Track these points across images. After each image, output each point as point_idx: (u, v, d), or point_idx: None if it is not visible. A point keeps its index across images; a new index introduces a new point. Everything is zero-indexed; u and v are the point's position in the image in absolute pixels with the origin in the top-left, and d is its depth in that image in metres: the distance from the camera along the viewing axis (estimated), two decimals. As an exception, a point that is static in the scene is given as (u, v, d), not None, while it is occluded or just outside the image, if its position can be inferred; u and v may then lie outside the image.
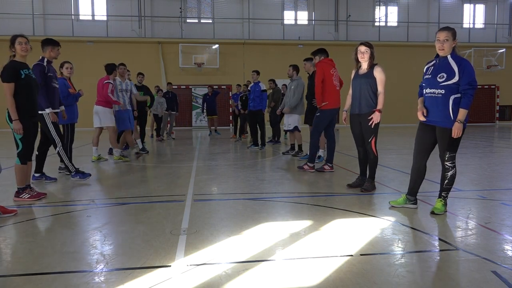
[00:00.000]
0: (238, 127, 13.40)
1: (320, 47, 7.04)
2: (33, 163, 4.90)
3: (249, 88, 11.10)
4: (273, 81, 11.74)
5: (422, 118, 4.03)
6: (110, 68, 7.98)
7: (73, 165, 5.91)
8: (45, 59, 5.65)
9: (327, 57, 6.74)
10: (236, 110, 13.83)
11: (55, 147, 5.66)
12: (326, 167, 6.65)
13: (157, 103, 12.93)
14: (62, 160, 6.69)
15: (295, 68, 8.64)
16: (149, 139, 13.27)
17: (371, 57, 4.96)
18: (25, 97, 4.56)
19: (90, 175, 5.98)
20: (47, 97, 5.55)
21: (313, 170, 6.63)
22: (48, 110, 5.54)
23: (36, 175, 5.94)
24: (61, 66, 6.76)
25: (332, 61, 6.68)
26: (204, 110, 15.56)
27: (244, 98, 12.50)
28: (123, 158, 8.12)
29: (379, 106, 4.96)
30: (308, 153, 6.83)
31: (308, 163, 6.71)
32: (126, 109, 8.38)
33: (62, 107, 6.15)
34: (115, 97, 8.06)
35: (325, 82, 6.43)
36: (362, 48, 4.97)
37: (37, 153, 5.90)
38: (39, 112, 5.44)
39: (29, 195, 4.69)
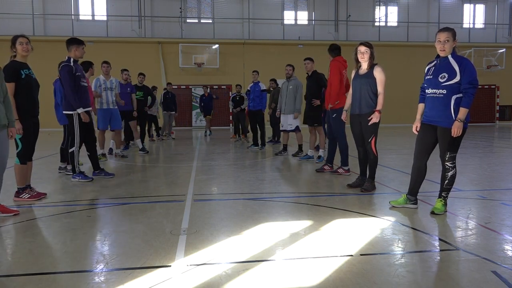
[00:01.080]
0: (240, 127, 13.41)
1: (333, 43, 6.85)
2: (35, 162, 4.90)
3: (248, 88, 11.10)
4: (274, 80, 11.73)
5: (414, 131, 4.21)
6: (85, 66, 7.81)
7: (79, 167, 5.96)
8: (71, 59, 5.64)
9: (339, 55, 6.59)
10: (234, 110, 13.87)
11: (71, 146, 5.72)
12: (326, 167, 6.64)
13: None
14: (63, 160, 6.73)
15: (294, 68, 8.65)
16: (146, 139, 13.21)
17: (371, 57, 4.96)
18: (26, 97, 4.57)
19: (92, 179, 5.96)
20: (77, 96, 5.60)
21: (348, 173, 6.32)
22: (80, 110, 5.63)
23: (96, 171, 6.22)
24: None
25: (346, 62, 6.53)
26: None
27: (238, 98, 12.53)
28: (101, 157, 7.96)
29: (379, 107, 4.96)
30: (340, 157, 6.42)
31: (342, 167, 6.40)
32: (107, 108, 8.16)
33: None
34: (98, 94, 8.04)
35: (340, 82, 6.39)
36: (362, 48, 4.97)
37: (88, 153, 6.15)
38: (69, 112, 5.65)
39: (29, 195, 4.69)
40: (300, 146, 8.68)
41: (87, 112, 5.82)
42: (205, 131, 16.04)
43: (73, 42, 5.69)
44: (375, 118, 4.94)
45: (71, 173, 5.99)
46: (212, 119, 15.84)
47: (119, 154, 8.67)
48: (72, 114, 5.66)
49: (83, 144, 6.04)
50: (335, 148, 6.66)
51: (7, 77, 4.42)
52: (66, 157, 6.50)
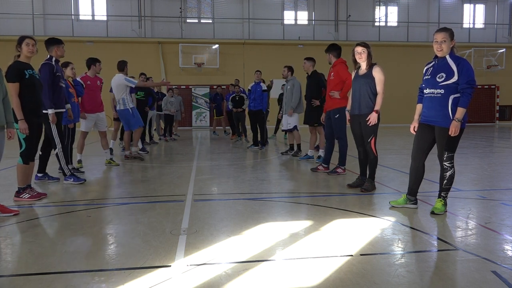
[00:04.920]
0: (240, 127, 13.38)
1: (333, 43, 6.75)
2: (36, 162, 4.89)
3: (249, 88, 11.06)
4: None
5: (412, 131, 4.21)
6: (91, 62, 7.40)
7: (69, 168, 5.82)
8: (53, 58, 5.59)
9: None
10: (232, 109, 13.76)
11: (55, 148, 5.54)
12: (320, 167, 6.56)
13: (167, 102, 12.96)
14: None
15: (290, 69, 8.70)
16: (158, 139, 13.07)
17: (369, 56, 4.97)
18: (29, 97, 4.57)
19: (84, 180, 5.82)
20: (52, 97, 5.43)
21: (345, 172, 6.37)
22: (50, 111, 5.36)
23: (39, 175, 5.89)
24: (65, 66, 6.68)
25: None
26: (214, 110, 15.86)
27: (237, 98, 12.41)
28: (113, 162, 7.55)
29: (377, 107, 4.96)
30: (339, 157, 6.45)
31: (340, 167, 6.39)
32: (133, 107, 7.99)
33: (68, 106, 6.13)
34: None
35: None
36: (359, 49, 4.99)
37: (40, 153, 5.78)
38: (44, 111, 5.35)
39: (29, 195, 4.69)
40: (298, 146, 8.69)
41: (60, 113, 5.59)
42: (214, 131, 16.16)
43: (54, 42, 5.61)
44: (372, 119, 4.94)
45: (65, 176, 5.79)
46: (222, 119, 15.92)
47: (134, 154, 8.39)
48: (47, 113, 5.35)
49: (42, 142, 5.60)
50: (332, 149, 6.64)
51: (11, 77, 4.44)
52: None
